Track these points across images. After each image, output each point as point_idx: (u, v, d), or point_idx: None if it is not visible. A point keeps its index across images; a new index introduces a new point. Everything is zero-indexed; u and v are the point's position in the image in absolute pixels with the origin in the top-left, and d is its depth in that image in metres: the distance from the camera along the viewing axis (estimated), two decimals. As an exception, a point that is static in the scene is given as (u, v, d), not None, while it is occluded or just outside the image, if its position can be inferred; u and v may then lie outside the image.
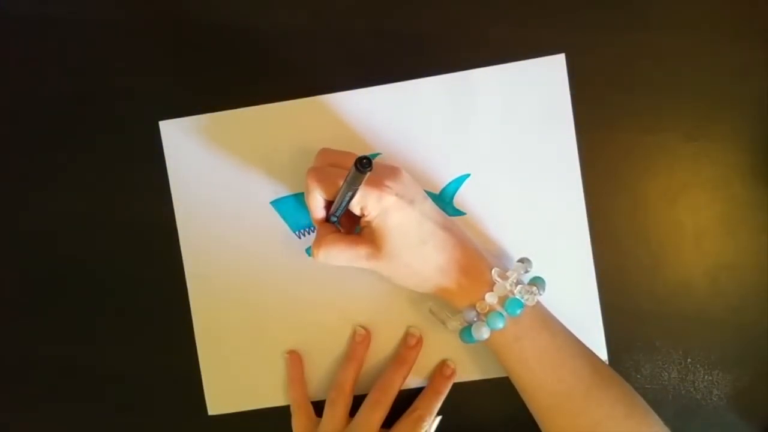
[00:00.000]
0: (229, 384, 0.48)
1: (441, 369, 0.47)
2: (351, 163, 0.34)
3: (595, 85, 0.47)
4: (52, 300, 0.49)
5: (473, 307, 0.42)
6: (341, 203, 0.40)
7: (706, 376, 0.47)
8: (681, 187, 0.47)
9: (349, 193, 0.38)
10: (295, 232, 0.48)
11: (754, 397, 0.47)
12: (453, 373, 0.47)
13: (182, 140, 0.48)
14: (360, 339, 0.47)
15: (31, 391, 0.50)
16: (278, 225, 0.48)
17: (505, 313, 0.41)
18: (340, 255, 0.42)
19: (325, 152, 0.43)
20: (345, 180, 0.37)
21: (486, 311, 0.41)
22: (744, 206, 0.47)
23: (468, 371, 0.48)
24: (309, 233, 0.48)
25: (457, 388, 0.47)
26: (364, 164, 0.34)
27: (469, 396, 0.48)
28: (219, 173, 0.48)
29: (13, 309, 0.50)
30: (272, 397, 0.48)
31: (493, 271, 0.42)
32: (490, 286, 0.42)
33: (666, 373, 0.48)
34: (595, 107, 0.47)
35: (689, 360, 0.47)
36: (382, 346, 0.48)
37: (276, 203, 0.48)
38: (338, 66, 0.48)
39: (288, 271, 0.48)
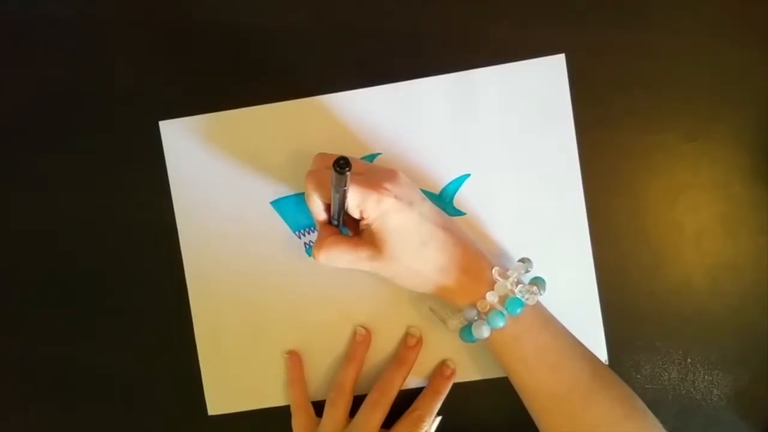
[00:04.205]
0: (229, 384, 0.48)
1: (441, 369, 0.47)
2: None
3: (595, 85, 0.47)
4: (52, 300, 0.49)
5: (474, 305, 0.42)
6: (336, 206, 0.40)
7: (706, 376, 0.47)
8: (681, 187, 0.47)
9: (337, 195, 0.38)
10: (295, 232, 0.48)
11: (754, 397, 0.47)
12: (453, 373, 0.47)
13: (182, 140, 0.48)
14: (361, 339, 0.47)
15: (31, 391, 0.50)
16: (278, 225, 0.48)
17: (505, 312, 0.41)
18: (341, 257, 0.42)
19: (321, 156, 0.43)
20: (331, 183, 0.37)
21: (487, 310, 0.41)
22: (744, 206, 0.47)
23: (468, 371, 0.48)
24: (309, 233, 0.48)
25: (457, 388, 0.47)
26: (341, 165, 0.33)
27: (469, 396, 0.48)
28: (219, 173, 0.48)
29: (13, 309, 0.50)
30: (272, 397, 0.48)
31: (493, 270, 0.42)
32: (491, 285, 0.42)
33: (666, 373, 0.48)
34: (595, 107, 0.47)
35: (689, 360, 0.47)
36: (382, 346, 0.48)
37: (276, 203, 0.48)
38: (338, 66, 0.48)
39: (288, 271, 0.48)
